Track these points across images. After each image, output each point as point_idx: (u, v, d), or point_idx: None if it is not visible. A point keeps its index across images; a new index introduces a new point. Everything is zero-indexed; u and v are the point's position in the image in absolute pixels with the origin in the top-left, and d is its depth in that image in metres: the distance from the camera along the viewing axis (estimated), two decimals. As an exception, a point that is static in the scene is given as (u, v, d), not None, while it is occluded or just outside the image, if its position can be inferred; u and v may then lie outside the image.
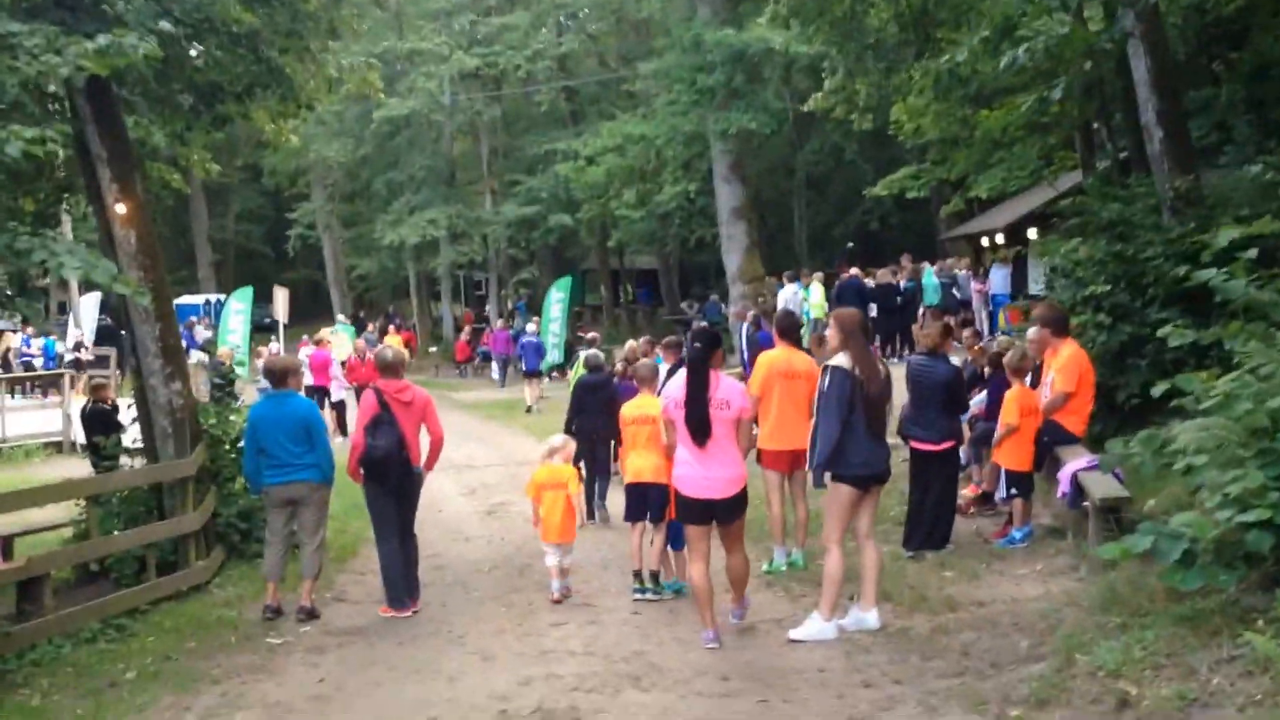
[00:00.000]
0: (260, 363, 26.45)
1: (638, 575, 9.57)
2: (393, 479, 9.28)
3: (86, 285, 33.79)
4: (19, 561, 8.75)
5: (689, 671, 7.44)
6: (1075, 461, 9.58)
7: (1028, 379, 10.78)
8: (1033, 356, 10.81)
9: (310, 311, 39.32)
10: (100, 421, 14.06)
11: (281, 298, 32.42)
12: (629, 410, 9.87)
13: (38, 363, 29.26)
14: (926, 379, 10.24)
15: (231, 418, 12.28)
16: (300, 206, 44.47)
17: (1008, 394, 10.62)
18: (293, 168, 43.40)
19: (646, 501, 9.48)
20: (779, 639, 8.04)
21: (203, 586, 10.48)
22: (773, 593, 9.50)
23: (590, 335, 18.88)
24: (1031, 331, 11.30)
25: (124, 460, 12.40)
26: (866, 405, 8.04)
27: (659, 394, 9.56)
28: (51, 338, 31.31)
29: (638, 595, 9.46)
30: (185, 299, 38.49)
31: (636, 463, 9.59)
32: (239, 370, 26.68)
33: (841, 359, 8.08)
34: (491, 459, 18.60)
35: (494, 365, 33.78)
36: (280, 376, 9.70)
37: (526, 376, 26.79)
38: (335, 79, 14.41)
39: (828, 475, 8.12)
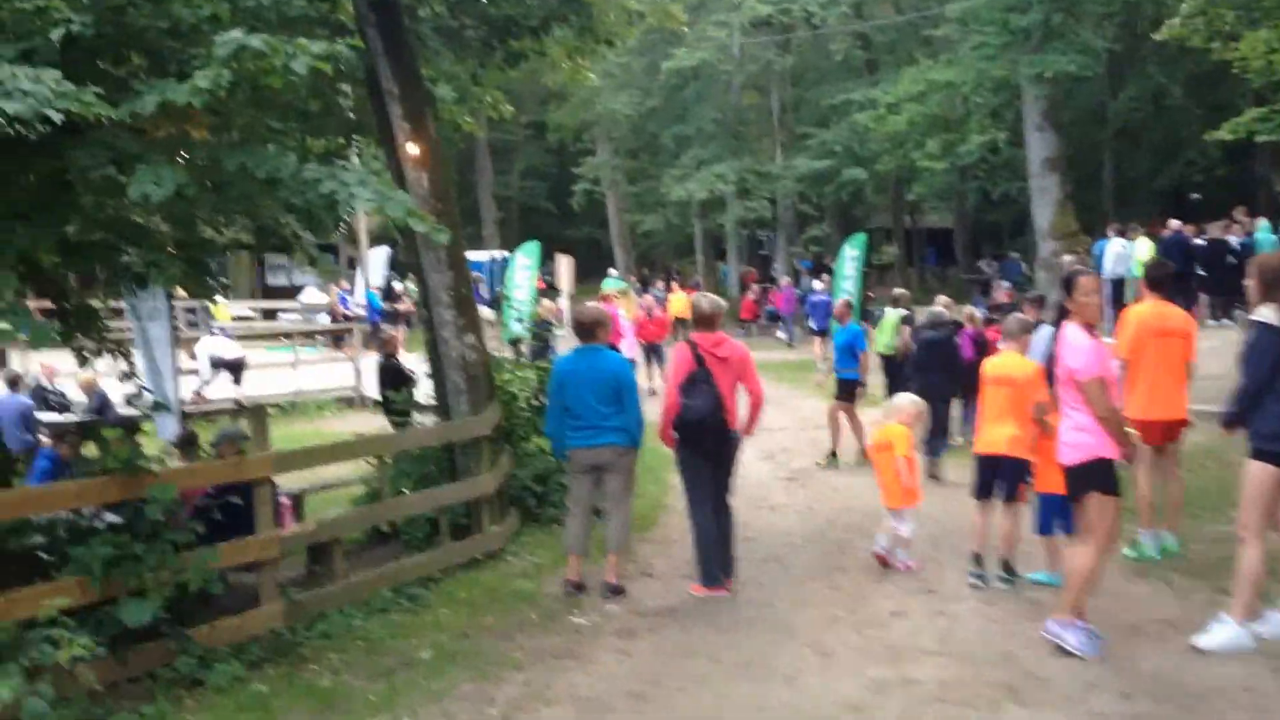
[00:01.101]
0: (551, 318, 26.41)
1: (976, 559, 8.43)
2: (708, 443, 8.36)
3: (374, 238, 34.65)
4: (308, 525, 8.22)
5: (1077, 684, 6.24)
6: None
7: None
8: None
9: (594, 269, 39.02)
10: (392, 376, 13.74)
11: (565, 264, 32.21)
12: (988, 368, 8.73)
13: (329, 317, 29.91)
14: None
15: (528, 374, 11.67)
16: (585, 162, 44.37)
17: None
18: (577, 122, 43.27)
19: (996, 477, 8.33)
20: (1178, 645, 6.75)
21: (497, 554, 9.84)
22: (1149, 585, 8.18)
23: (898, 292, 17.54)
24: None
25: (415, 416, 11.96)
26: (1297, 367, 6.66)
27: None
28: (374, 291, 32.00)
29: (973, 580, 8.37)
30: (469, 255, 38.74)
31: (991, 432, 8.41)
32: (522, 329, 26.67)
33: (1267, 312, 6.71)
34: (786, 421, 17.59)
35: (782, 325, 32.81)
36: (589, 329, 8.84)
37: (815, 335, 25.96)
38: (635, 11, 13.67)
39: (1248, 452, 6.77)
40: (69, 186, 7.06)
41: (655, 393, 17.94)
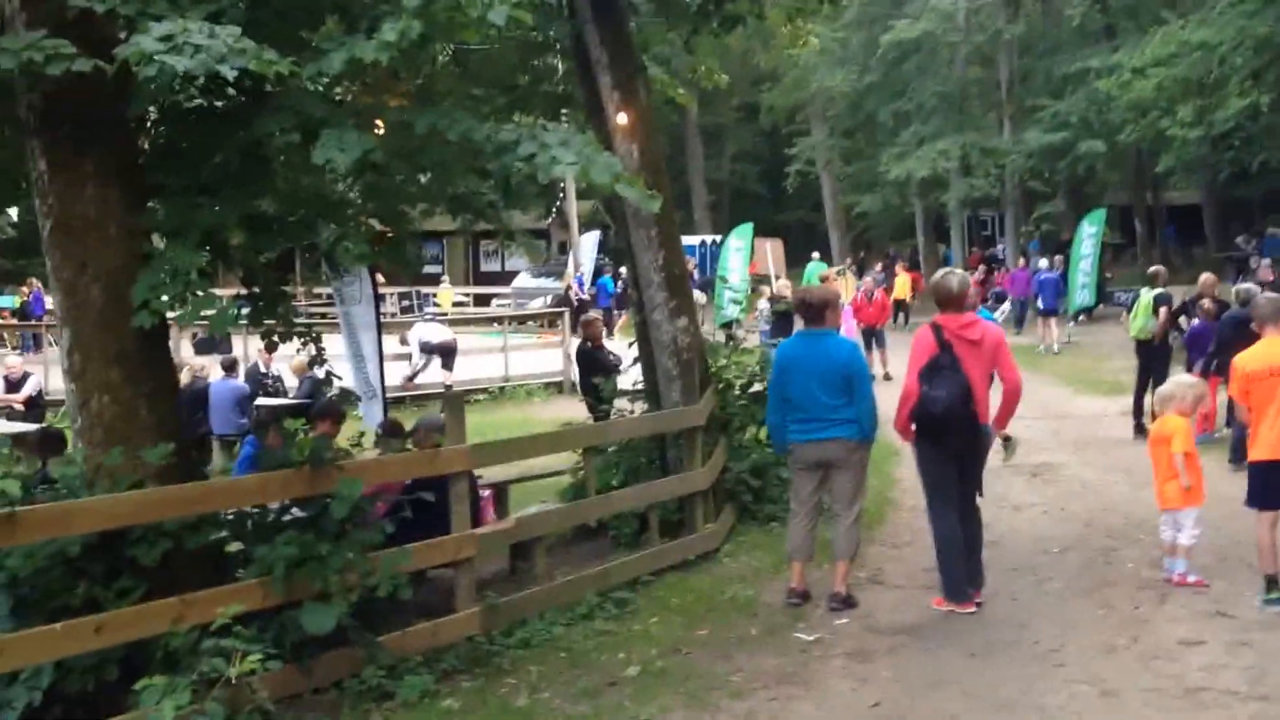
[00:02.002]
0: (763, 304, 25.57)
1: (1271, 581, 7.22)
2: (953, 438, 7.35)
3: (585, 224, 34.38)
4: (507, 523, 7.57)
5: None
6: None
7: None
8: None
9: (807, 253, 37.88)
10: (593, 362, 13.11)
11: (771, 249, 31.27)
12: (1250, 361, 7.47)
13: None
14: None
15: (745, 359, 10.87)
16: (798, 142, 43.24)
17: None
18: (791, 102, 42.18)
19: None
20: None
21: (712, 555, 9.06)
22: None
23: (1155, 269, 16.04)
24: None
25: (623, 404, 11.28)
26: None
27: None
28: (608, 275, 31.78)
29: (1269, 605, 7.16)
30: (682, 240, 38.20)
31: (1273, 433, 7.20)
32: (736, 311, 25.90)
33: None
34: (1021, 410, 16.25)
35: (1007, 306, 31.22)
36: (817, 310, 7.87)
37: (1042, 316, 24.68)
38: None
39: None
40: (263, 161, 6.57)
41: (874, 378, 16.89)
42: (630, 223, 10.25)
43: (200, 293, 5.71)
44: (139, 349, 5.97)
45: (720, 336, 13.34)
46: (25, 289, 26.20)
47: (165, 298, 5.62)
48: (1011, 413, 7.71)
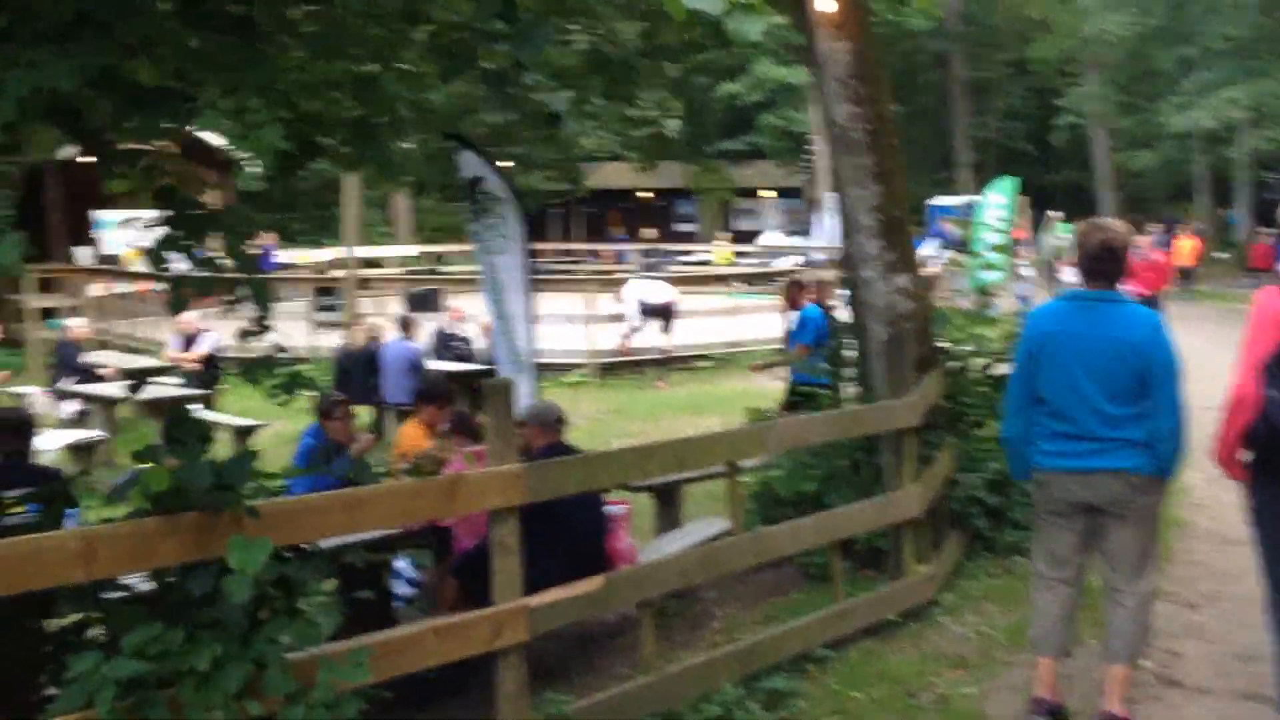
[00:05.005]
0: (1024, 261, 21.72)
1: None
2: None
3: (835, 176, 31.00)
4: (590, 585, 4.52)
5: None
6: None
7: None
8: None
9: (1071, 216, 33.27)
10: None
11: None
12: None
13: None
14: None
15: (986, 331, 7.71)
16: (1069, 92, 38.26)
17: None
18: (1061, 51, 37.37)
19: None
20: None
21: (923, 610, 5.97)
22: None
23: None
24: None
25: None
26: None
27: None
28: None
29: None
30: (941, 200, 34.49)
31: None
32: (993, 274, 22.26)
33: None
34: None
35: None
36: (1115, 259, 4.57)
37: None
38: None
39: None
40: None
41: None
42: (837, 149, 7.26)
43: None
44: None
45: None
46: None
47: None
48: None
